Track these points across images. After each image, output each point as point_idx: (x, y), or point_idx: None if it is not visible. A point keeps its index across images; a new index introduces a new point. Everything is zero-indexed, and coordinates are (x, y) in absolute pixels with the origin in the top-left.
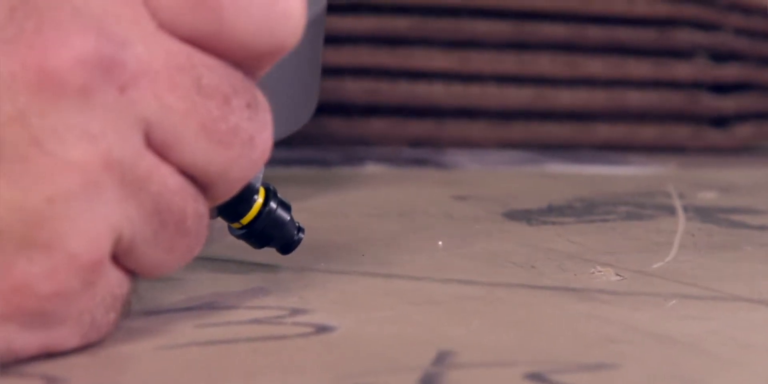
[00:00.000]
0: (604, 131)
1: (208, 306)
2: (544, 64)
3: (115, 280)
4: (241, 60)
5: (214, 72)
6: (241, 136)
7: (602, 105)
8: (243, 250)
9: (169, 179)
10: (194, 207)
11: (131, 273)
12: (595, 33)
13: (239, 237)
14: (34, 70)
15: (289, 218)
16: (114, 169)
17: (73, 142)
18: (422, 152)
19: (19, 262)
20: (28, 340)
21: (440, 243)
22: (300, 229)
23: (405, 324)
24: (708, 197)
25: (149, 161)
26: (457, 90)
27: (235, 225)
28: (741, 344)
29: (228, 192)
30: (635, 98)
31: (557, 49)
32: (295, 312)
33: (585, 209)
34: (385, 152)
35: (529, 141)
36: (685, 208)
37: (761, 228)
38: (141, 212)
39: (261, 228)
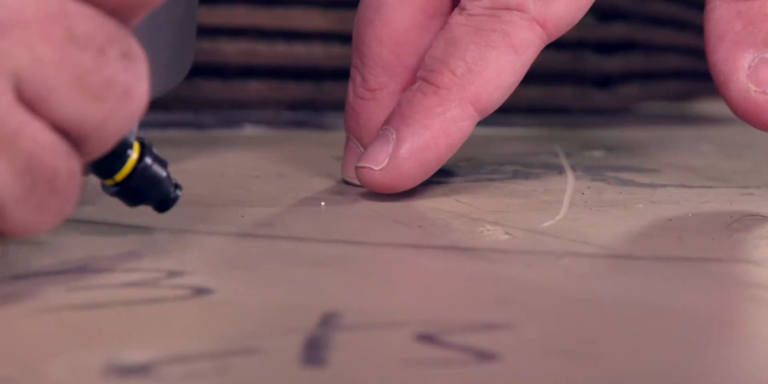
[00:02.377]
0: None
1: (81, 269)
2: None
3: None
4: (115, 8)
5: (88, 21)
6: (116, 89)
7: None
8: (117, 211)
9: (41, 136)
10: (67, 165)
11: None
12: None
13: (113, 195)
14: None
15: (165, 174)
16: None
17: None
18: (301, 115)
19: None
20: None
21: (323, 203)
22: (177, 186)
23: (288, 286)
24: (595, 156)
25: (20, 117)
26: (336, 51)
27: (109, 182)
28: (635, 302)
29: (102, 147)
30: None
31: None
32: (172, 274)
33: (471, 169)
34: (263, 115)
35: None
36: (573, 167)
37: (651, 185)
38: (10, 171)
39: (136, 184)
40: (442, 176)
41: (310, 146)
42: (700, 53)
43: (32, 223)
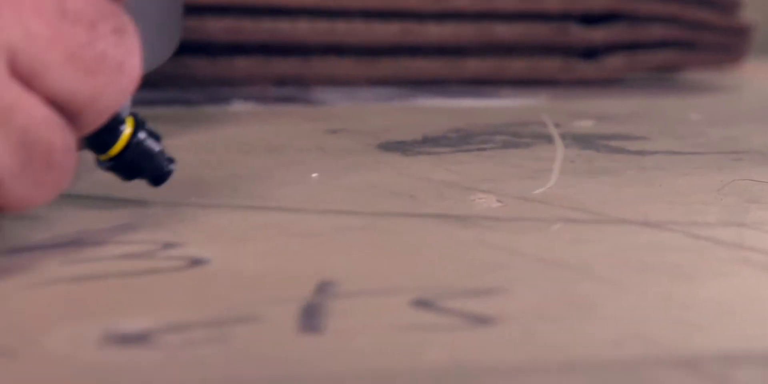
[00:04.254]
0: (473, 65)
1: (76, 242)
2: None
3: None
4: None
5: None
6: (109, 63)
7: (470, 38)
8: (110, 186)
9: (36, 110)
10: (62, 139)
11: None
12: None
13: (108, 170)
14: None
15: (159, 149)
16: None
17: None
18: (289, 90)
19: None
20: None
21: (315, 175)
22: (171, 161)
23: (283, 255)
24: (584, 125)
25: (14, 92)
26: (323, 26)
27: (104, 157)
28: (630, 266)
29: (96, 121)
30: (503, 31)
31: None
32: (167, 246)
33: (461, 139)
34: (251, 91)
35: (398, 77)
36: (563, 136)
37: (641, 153)
38: (7, 146)
39: (130, 159)
40: (432, 146)
41: (299, 121)
42: (685, 23)
43: (29, 198)
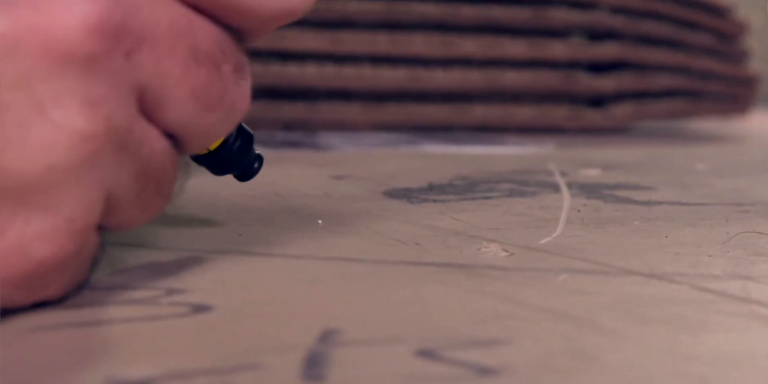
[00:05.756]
0: (479, 112)
1: (79, 287)
2: (418, 44)
3: (94, 237)
4: (245, 25)
5: (210, 37)
6: (226, 101)
7: (477, 85)
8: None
9: (158, 144)
10: (172, 169)
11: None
12: (468, 12)
13: (201, 163)
14: (42, 35)
15: (251, 148)
16: (113, 135)
17: (75, 108)
18: (295, 135)
19: (16, 223)
20: (19, 299)
21: (320, 221)
22: (260, 159)
23: (287, 302)
24: (591, 174)
25: (143, 126)
26: (330, 71)
27: (203, 151)
28: (635, 318)
29: (201, 149)
30: (511, 78)
31: (431, 29)
32: (170, 292)
33: (466, 187)
34: (257, 135)
35: (404, 122)
36: (569, 185)
37: (647, 203)
38: (130, 175)
39: (225, 156)
40: (437, 194)
41: (306, 166)
42: (692, 73)
43: (134, 220)
